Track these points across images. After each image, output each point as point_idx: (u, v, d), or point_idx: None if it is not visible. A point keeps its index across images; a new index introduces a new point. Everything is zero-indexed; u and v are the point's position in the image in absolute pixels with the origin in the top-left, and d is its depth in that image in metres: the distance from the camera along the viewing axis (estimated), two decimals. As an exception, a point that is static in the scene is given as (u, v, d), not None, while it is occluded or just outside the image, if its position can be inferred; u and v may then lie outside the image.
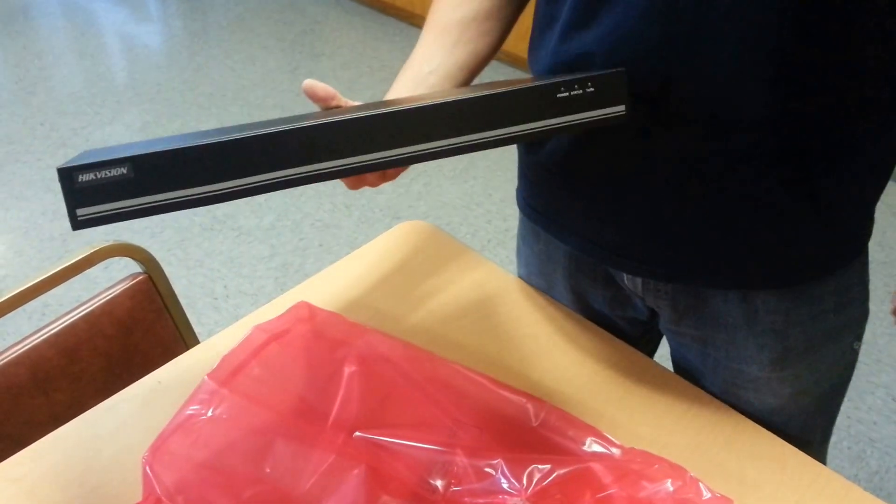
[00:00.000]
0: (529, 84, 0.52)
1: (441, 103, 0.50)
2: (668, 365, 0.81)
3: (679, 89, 0.57)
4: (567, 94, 0.52)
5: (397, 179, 2.02)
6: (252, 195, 0.47)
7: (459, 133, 0.51)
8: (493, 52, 0.69)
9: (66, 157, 2.36)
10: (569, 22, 0.60)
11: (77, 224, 0.44)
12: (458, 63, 0.66)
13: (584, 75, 0.53)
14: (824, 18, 0.52)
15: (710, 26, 0.54)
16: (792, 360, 0.71)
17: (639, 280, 0.72)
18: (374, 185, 0.60)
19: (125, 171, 0.44)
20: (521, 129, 0.52)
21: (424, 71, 0.64)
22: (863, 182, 0.63)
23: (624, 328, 0.82)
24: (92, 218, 0.44)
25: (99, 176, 0.43)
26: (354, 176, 0.52)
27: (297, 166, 0.47)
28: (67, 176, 0.43)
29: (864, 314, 0.72)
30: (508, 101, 0.51)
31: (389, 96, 0.64)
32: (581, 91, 0.53)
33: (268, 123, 0.51)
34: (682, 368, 0.81)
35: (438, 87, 0.65)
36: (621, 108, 0.54)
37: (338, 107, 0.58)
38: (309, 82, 0.56)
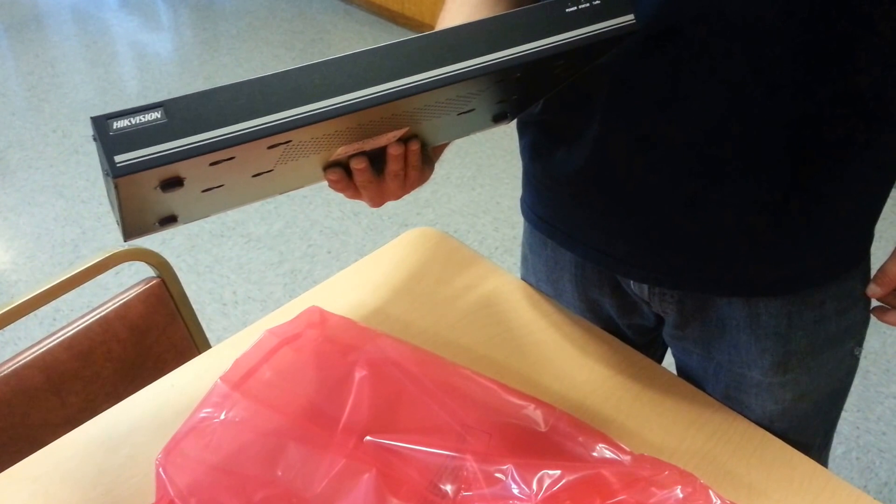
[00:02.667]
0: (534, 6, 0.52)
1: (457, 27, 0.50)
2: (675, 373, 0.81)
3: (685, 101, 0.58)
4: (575, 7, 0.52)
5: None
6: (287, 129, 0.46)
7: (479, 54, 0.50)
8: None
9: (79, 163, 2.38)
10: None
11: (117, 171, 0.42)
12: None
13: None
14: (835, 26, 0.53)
15: (720, 28, 0.54)
16: (793, 365, 0.71)
17: (645, 286, 0.73)
18: (396, 197, 0.60)
19: (159, 116, 0.43)
20: (537, 46, 0.51)
21: None
22: (867, 189, 0.64)
23: (631, 337, 0.83)
24: (131, 163, 0.42)
25: (133, 122, 0.43)
26: (378, 178, 0.52)
27: (331, 97, 0.47)
28: (102, 123, 0.42)
29: (865, 319, 0.72)
30: (521, 19, 0.51)
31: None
32: (587, 4, 0.52)
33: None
34: (685, 376, 0.81)
35: None
36: (630, 17, 0.53)
37: None
38: None
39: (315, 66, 0.47)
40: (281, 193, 0.64)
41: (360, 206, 2.21)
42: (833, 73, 0.54)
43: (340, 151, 0.54)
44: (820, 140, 0.58)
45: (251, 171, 0.52)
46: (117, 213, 0.50)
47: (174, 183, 0.47)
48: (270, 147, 0.47)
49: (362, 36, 3.12)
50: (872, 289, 0.68)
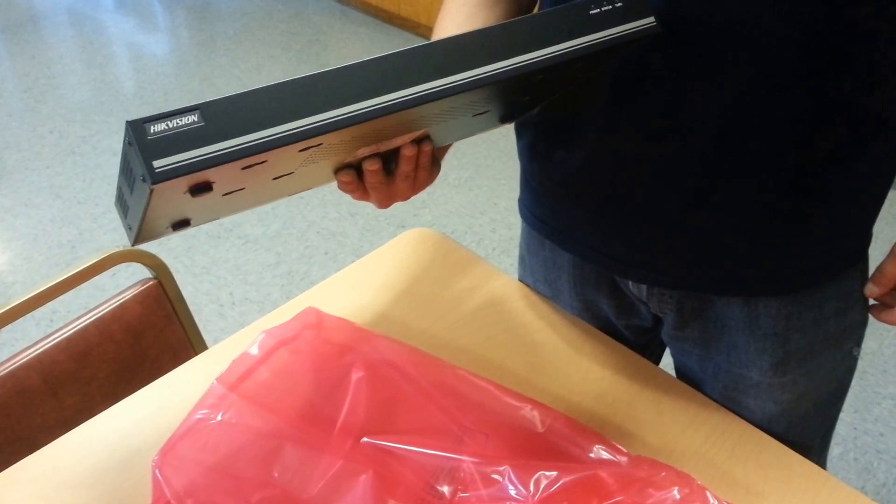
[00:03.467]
0: (561, 6, 0.52)
1: (489, 28, 0.50)
2: (673, 374, 0.81)
3: (685, 103, 0.58)
4: (599, 9, 0.52)
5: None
6: (326, 132, 0.45)
7: (503, 57, 0.50)
8: None
9: (75, 164, 2.37)
10: None
11: (155, 177, 0.41)
12: None
13: None
14: (837, 29, 0.53)
15: (722, 32, 0.54)
16: (792, 366, 0.71)
17: (644, 286, 0.73)
18: (405, 198, 0.60)
19: (196, 119, 0.42)
20: (565, 48, 0.51)
21: None
22: (865, 190, 0.64)
23: (628, 337, 0.83)
24: (170, 169, 0.41)
25: (170, 125, 0.41)
26: (389, 179, 0.51)
27: (373, 97, 0.46)
28: (139, 127, 0.41)
29: (864, 320, 0.73)
30: (543, 22, 0.51)
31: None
32: (610, 7, 0.53)
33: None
34: (684, 377, 0.81)
35: None
36: (651, 19, 0.54)
37: None
38: None
39: (351, 68, 0.47)
40: (290, 195, 0.64)
41: (357, 207, 2.21)
42: (834, 75, 0.54)
43: (359, 153, 0.54)
44: (819, 142, 0.58)
45: (275, 174, 0.51)
46: (137, 219, 0.48)
47: (204, 188, 0.46)
48: (302, 150, 0.47)
49: (358, 37, 3.12)
50: (870, 288, 0.68)
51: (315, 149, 0.48)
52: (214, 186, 0.46)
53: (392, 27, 3.18)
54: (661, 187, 0.63)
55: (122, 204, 0.50)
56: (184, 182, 0.43)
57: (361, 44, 3.07)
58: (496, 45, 0.50)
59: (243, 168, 0.45)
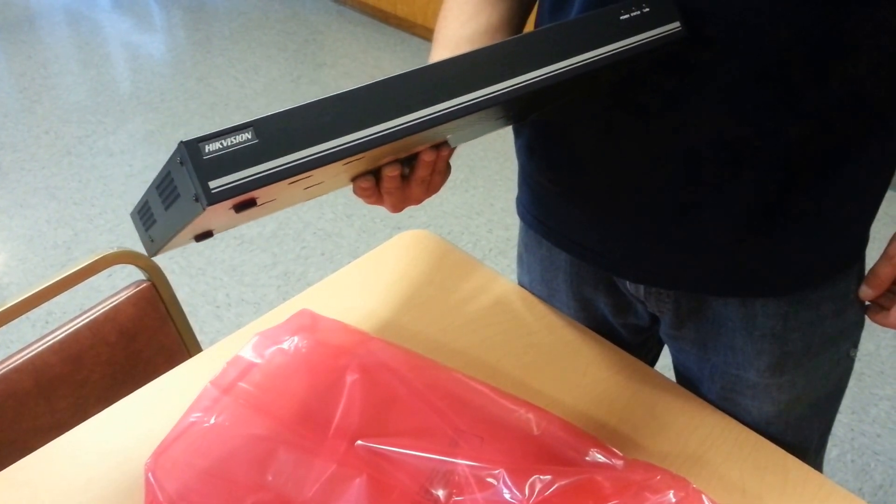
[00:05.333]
0: (592, 12, 0.52)
1: (522, 36, 0.50)
2: (671, 375, 0.81)
3: (683, 101, 0.58)
4: (628, 15, 0.52)
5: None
6: (375, 146, 0.45)
7: (537, 66, 0.50)
8: None
9: (71, 165, 2.37)
10: None
11: (211, 198, 0.40)
12: None
13: None
14: (835, 32, 0.53)
15: (720, 34, 0.54)
16: (790, 366, 0.71)
17: (641, 286, 0.73)
18: (418, 202, 0.60)
19: (249, 136, 0.41)
20: (597, 54, 0.51)
21: None
22: (862, 191, 0.64)
23: (625, 336, 0.83)
24: (225, 189, 0.40)
25: (225, 144, 0.41)
26: (404, 182, 0.52)
27: (425, 107, 0.46)
28: (193, 147, 0.40)
29: (861, 320, 0.72)
30: (580, 27, 0.51)
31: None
32: (638, 12, 0.53)
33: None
34: (683, 376, 0.81)
35: None
36: (677, 24, 0.54)
37: None
38: None
39: (398, 78, 0.46)
40: (306, 201, 0.63)
41: (354, 207, 2.21)
42: (831, 77, 0.54)
43: (382, 160, 0.54)
44: (817, 143, 0.58)
45: (311, 184, 0.50)
46: (167, 234, 0.47)
47: (250, 204, 0.45)
48: (347, 163, 0.46)
49: (355, 36, 3.12)
50: (864, 290, 0.68)
51: (357, 160, 0.48)
52: (258, 201, 0.46)
53: (388, 27, 3.18)
54: (658, 186, 0.63)
55: (147, 217, 0.49)
56: (233, 200, 0.42)
57: (358, 43, 3.07)
58: (534, 52, 0.50)
59: (290, 182, 0.45)
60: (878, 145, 0.60)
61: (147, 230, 0.50)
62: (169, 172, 0.42)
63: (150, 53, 3.00)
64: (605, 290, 0.78)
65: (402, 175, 0.57)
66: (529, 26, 0.71)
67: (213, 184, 0.40)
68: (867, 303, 0.71)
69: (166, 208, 0.45)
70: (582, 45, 0.51)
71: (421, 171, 0.56)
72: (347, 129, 0.44)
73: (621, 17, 0.52)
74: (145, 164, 2.38)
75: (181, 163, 0.40)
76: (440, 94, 0.47)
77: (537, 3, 0.70)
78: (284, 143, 0.42)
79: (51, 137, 2.49)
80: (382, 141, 0.45)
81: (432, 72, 0.47)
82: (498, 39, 0.68)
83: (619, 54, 0.52)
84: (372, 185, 0.57)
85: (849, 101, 0.56)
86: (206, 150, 0.40)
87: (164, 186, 0.43)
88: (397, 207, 0.60)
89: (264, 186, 0.42)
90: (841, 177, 0.60)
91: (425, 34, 3.04)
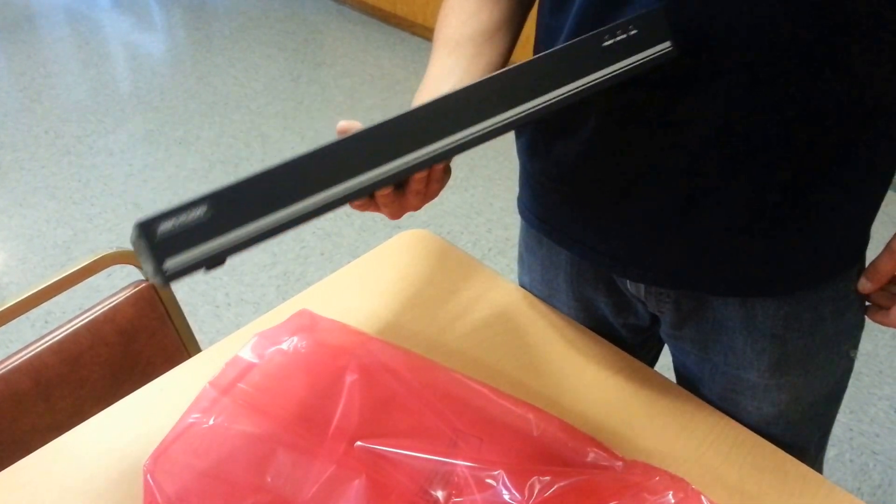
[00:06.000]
0: (572, 42, 0.51)
1: (490, 78, 0.49)
2: (670, 375, 0.81)
3: (684, 100, 0.58)
4: (612, 41, 0.51)
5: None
6: (332, 210, 0.44)
7: (517, 104, 0.49)
8: (506, 61, 0.69)
9: (71, 164, 2.37)
10: (573, 34, 0.61)
11: (166, 279, 0.41)
12: (475, 78, 0.65)
13: (622, 20, 0.52)
14: (835, 32, 0.52)
15: (720, 33, 0.54)
16: (790, 367, 0.71)
17: (641, 285, 0.73)
18: (416, 208, 0.60)
19: (203, 212, 0.41)
20: (577, 86, 0.50)
21: (442, 89, 0.63)
22: (862, 192, 0.64)
23: (625, 336, 0.83)
24: (179, 270, 0.41)
25: (178, 222, 0.41)
26: (398, 194, 0.51)
27: (373, 168, 0.45)
28: (147, 228, 0.40)
29: (860, 321, 0.72)
30: (557, 62, 0.50)
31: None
32: (624, 35, 0.51)
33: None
34: (683, 376, 0.81)
35: None
36: (667, 44, 0.53)
37: None
38: (344, 125, 0.55)
39: (356, 137, 0.46)
40: None
41: (354, 207, 2.21)
42: (832, 77, 0.54)
43: None
44: (816, 144, 0.58)
45: None
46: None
47: (219, 263, 0.45)
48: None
49: (355, 36, 3.12)
50: (863, 284, 0.68)
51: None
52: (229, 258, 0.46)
53: (387, 26, 3.18)
54: (659, 186, 0.63)
55: (141, 253, 0.50)
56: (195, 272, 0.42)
57: (357, 42, 3.07)
58: (514, 90, 0.49)
59: None
60: (878, 146, 0.60)
61: (146, 263, 0.51)
62: (135, 245, 0.43)
63: (150, 53, 3.00)
64: (605, 289, 0.78)
65: (396, 189, 0.57)
66: (529, 25, 0.71)
67: (167, 264, 0.41)
68: (867, 303, 0.71)
69: (144, 263, 0.46)
70: (564, 78, 0.50)
71: (414, 185, 0.56)
72: (302, 195, 0.44)
73: (604, 45, 0.51)
74: (145, 163, 2.38)
75: (139, 239, 0.41)
76: (403, 147, 0.46)
77: (537, 1, 0.70)
78: (239, 215, 0.42)
79: (50, 137, 2.49)
80: (341, 202, 0.45)
81: (394, 126, 0.46)
82: (498, 38, 0.68)
83: (605, 82, 0.51)
84: (365, 202, 0.57)
85: (848, 103, 0.56)
86: (160, 231, 0.41)
87: (136, 248, 0.44)
88: (395, 216, 0.60)
89: (222, 260, 0.42)
90: (841, 177, 0.60)
91: (425, 33, 3.04)
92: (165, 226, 0.41)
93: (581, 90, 0.51)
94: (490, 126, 0.49)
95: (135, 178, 2.32)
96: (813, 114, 0.56)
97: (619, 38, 0.51)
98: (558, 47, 0.51)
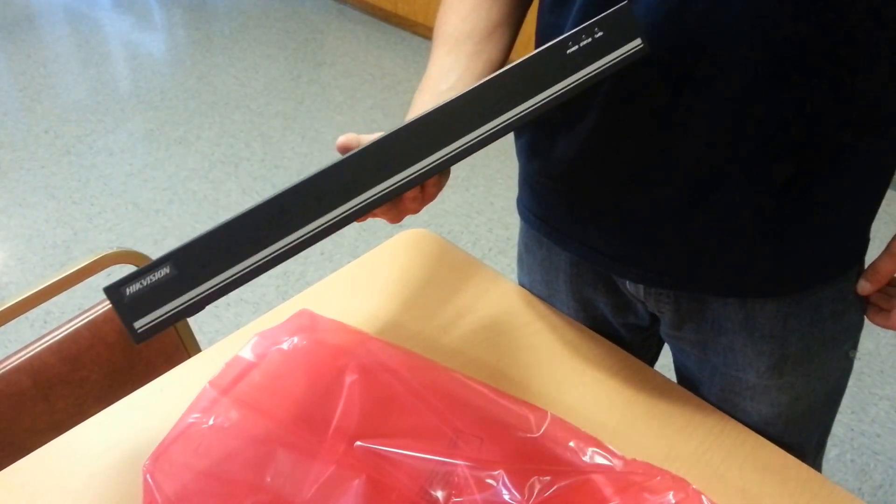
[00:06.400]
0: (535, 52, 0.51)
1: (455, 98, 0.49)
2: (671, 375, 0.81)
3: (685, 100, 0.58)
4: (577, 46, 0.51)
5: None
6: (301, 250, 0.45)
7: (487, 120, 0.49)
8: (506, 58, 0.69)
9: (70, 164, 2.37)
10: None
11: (138, 337, 0.42)
12: (475, 75, 0.65)
13: (587, 23, 0.51)
14: (836, 34, 0.52)
15: (721, 35, 0.54)
16: (789, 368, 0.71)
17: (641, 286, 0.73)
18: (415, 211, 0.60)
19: (168, 270, 0.42)
20: (546, 96, 0.50)
21: (442, 88, 0.63)
22: (861, 192, 0.64)
23: (625, 336, 0.83)
24: (151, 327, 0.42)
25: (145, 283, 0.42)
26: (395, 200, 0.51)
27: (340, 204, 0.46)
28: (115, 292, 0.41)
29: (860, 322, 0.72)
30: (521, 74, 0.50)
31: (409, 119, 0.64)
32: (590, 39, 0.51)
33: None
34: (683, 376, 0.81)
35: None
36: (637, 41, 0.52)
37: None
38: (344, 141, 0.55)
39: (318, 176, 0.46)
40: None
41: (354, 207, 2.21)
42: (833, 79, 0.54)
43: None
44: (815, 145, 0.58)
45: None
46: None
47: (197, 311, 0.46)
48: None
49: (355, 35, 3.12)
50: (862, 285, 0.68)
51: None
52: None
53: (388, 25, 3.18)
54: (658, 187, 0.63)
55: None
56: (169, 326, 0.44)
57: (358, 42, 3.07)
58: (477, 109, 0.49)
59: None
60: (879, 146, 0.60)
61: None
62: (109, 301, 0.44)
63: (150, 52, 3.00)
64: (605, 290, 0.78)
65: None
66: (530, 23, 0.71)
67: (137, 324, 0.42)
68: (867, 304, 0.71)
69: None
70: (532, 89, 0.50)
71: (409, 192, 0.56)
72: (267, 242, 0.44)
73: (568, 51, 0.51)
74: (145, 162, 2.38)
75: (110, 303, 0.42)
76: (372, 177, 0.47)
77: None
78: (204, 269, 0.43)
79: (50, 136, 2.49)
80: (310, 242, 0.45)
81: (368, 155, 0.47)
82: (498, 35, 0.68)
83: (572, 90, 0.51)
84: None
85: (847, 103, 0.56)
86: (128, 293, 0.42)
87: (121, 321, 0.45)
88: (395, 220, 0.60)
89: (191, 315, 0.43)
90: (841, 178, 0.60)
91: (426, 33, 3.03)
92: (132, 288, 0.42)
93: (548, 101, 0.51)
94: (457, 148, 0.49)
95: (135, 177, 2.32)
96: (813, 114, 0.56)
97: (584, 44, 0.51)
98: (522, 59, 0.51)
